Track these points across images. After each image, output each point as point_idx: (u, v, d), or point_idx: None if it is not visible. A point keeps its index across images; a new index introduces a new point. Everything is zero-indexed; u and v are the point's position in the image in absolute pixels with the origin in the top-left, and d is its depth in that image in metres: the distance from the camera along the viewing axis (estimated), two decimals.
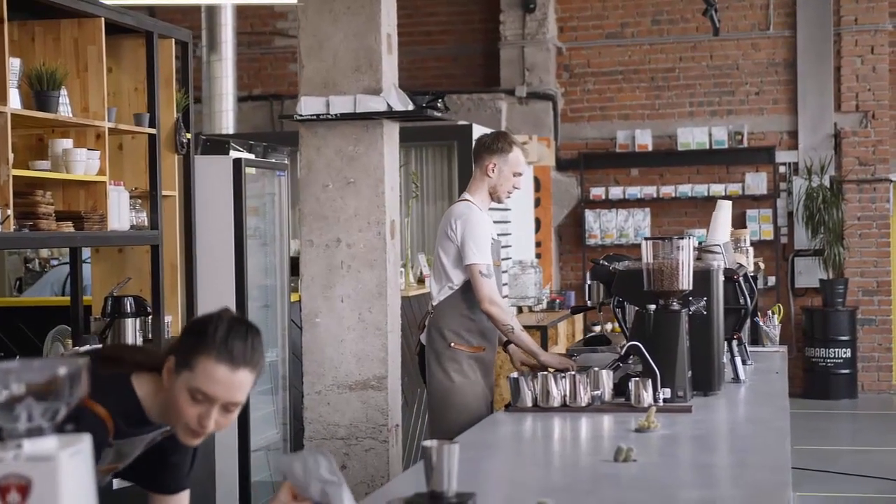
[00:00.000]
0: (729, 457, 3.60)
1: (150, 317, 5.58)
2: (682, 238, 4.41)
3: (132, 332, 5.40)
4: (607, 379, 4.30)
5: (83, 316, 5.58)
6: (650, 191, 12.75)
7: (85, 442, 1.79)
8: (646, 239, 4.45)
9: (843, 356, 12.14)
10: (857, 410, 11.87)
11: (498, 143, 5.32)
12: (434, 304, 5.33)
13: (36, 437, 1.76)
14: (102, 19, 5.16)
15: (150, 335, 5.61)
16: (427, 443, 2.71)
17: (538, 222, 12.33)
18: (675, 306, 4.38)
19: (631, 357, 4.38)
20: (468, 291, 5.22)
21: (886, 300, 12.55)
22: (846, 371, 12.18)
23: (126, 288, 5.57)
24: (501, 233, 10.14)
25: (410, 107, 5.64)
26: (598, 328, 10.64)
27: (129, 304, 5.43)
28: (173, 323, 5.85)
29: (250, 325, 2.69)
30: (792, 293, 12.65)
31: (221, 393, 2.59)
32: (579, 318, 10.94)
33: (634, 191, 12.79)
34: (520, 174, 5.33)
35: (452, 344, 5.22)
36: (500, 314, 5.12)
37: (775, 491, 2.89)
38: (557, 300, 10.85)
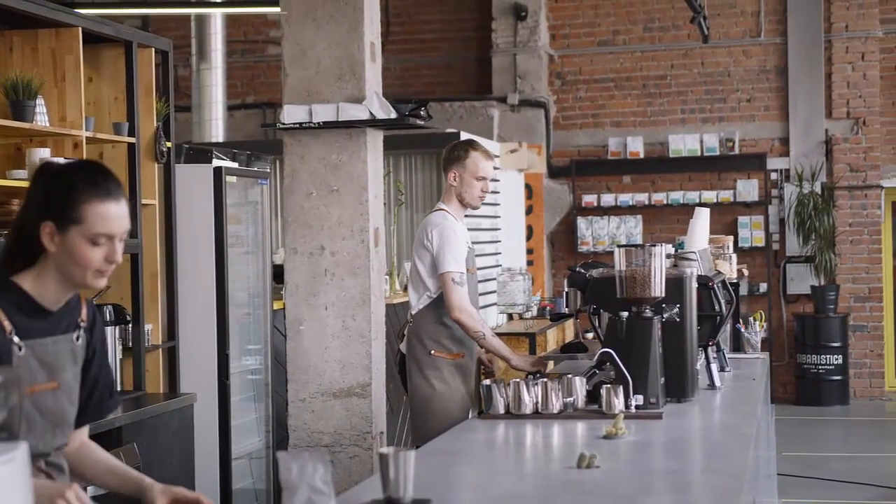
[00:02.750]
0: (690, 463, 3.60)
1: (129, 325, 5.59)
2: (655, 245, 4.42)
3: (112, 340, 5.41)
4: (580, 386, 4.31)
5: None
6: (642, 198, 12.76)
7: (20, 450, 1.80)
8: (619, 246, 4.47)
9: (835, 363, 12.15)
10: (849, 417, 11.87)
11: (454, 151, 5.41)
12: (413, 312, 5.39)
13: None
14: (80, 29, 5.19)
15: (130, 343, 5.63)
16: (383, 450, 2.74)
17: (530, 229, 12.35)
18: (648, 313, 4.39)
19: (605, 364, 4.39)
20: None
21: (878, 307, 12.55)
22: (838, 377, 12.19)
23: (106, 296, 5.59)
24: (491, 240, 10.20)
25: (393, 115, 5.65)
26: (590, 335, 10.63)
27: (108, 313, 5.44)
28: (153, 331, 5.87)
29: (96, 161, 2.83)
30: (784, 300, 12.66)
31: (117, 228, 2.71)
32: (570, 325, 10.95)
33: (626, 198, 12.81)
34: (483, 178, 5.37)
35: (432, 352, 5.28)
36: (469, 321, 5.17)
37: (729, 495, 2.91)
38: (548, 307, 10.86)
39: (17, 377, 1.84)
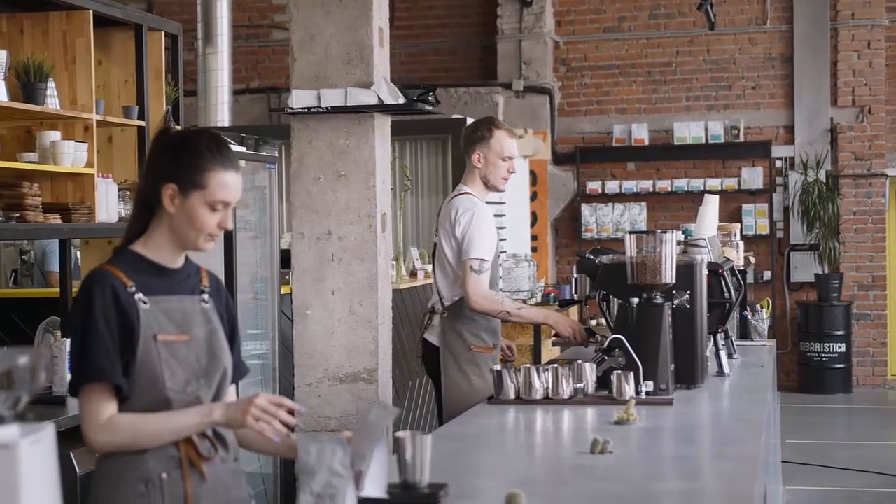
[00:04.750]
0: (703, 449, 3.61)
1: None
2: (666, 232, 4.42)
3: None
4: (590, 372, 4.32)
5: (72, 307, 5.59)
6: (646, 185, 12.77)
7: (47, 430, 1.81)
8: (629, 232, 4.46)
9: (838, 351, 12.17)
10: (852, 405, 11.89)
11: (478, 131, 5.22)
12: (446, 303, 5.22)
13: None
14: (90, 12, 5.18)
15: None
16: (400, 434, 2.74)
17: (534, 216, 12.35)
18: (658, 300, 4.39)
19: (615, 350, 4.39)
20: None
21: (881, 295, 12.56)
22: (841, 365, 12.21)
23: None
24: (496, 226, 10.19)
25: (401, 100, 5.64)
26: (594, 322, 10.63)
27: None
28: None
29: (216, 132, 2.96)
30: (787, 287, 12.67)
31: (234, 196, 2.87)
32: (575, 311, 10.95)
33: (631, 185, 12.81)
34: (509, 157, 5.19)
35: (472, 347, 5.14)
36: (490, 307, 5.03)
37: (743, 481, 2.92)
38: (552, 294, 10.85)
39: (40, 357, 1.84)
